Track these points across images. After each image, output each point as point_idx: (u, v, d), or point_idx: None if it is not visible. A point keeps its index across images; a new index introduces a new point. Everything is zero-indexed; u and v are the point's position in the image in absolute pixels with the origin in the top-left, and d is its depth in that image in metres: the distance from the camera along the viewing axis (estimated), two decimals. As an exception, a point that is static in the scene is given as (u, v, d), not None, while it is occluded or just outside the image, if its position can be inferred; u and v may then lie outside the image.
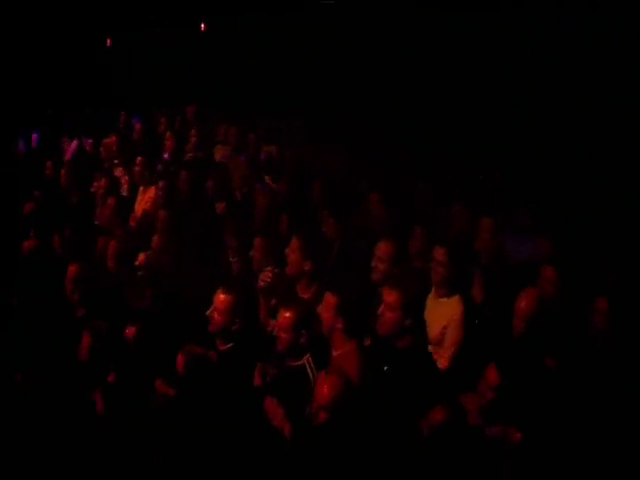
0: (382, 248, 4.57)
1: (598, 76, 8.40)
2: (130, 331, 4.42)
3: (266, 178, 7.05)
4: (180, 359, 3.98)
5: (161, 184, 6.64)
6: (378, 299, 4.20)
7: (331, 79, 10.31)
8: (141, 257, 5.25)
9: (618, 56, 8.28)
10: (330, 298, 4.01)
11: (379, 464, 3.36)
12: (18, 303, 5.09)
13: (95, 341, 4.46)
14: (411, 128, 8.63)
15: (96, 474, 3.97)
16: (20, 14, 10.46)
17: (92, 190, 7.26)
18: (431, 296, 4.58)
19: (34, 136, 9.58)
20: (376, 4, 10.01)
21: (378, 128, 8.92)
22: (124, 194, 7.22)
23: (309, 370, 3.94)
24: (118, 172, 7.76)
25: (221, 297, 4.26)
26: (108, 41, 12.81)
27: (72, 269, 4.91)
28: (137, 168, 7.34)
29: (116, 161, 8.07)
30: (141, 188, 7.26)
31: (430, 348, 4.36)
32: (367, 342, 4.11)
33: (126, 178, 7.46)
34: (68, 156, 8.90)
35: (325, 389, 3.52)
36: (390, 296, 3.90)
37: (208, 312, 4.28)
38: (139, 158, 7.33)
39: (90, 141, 8.92)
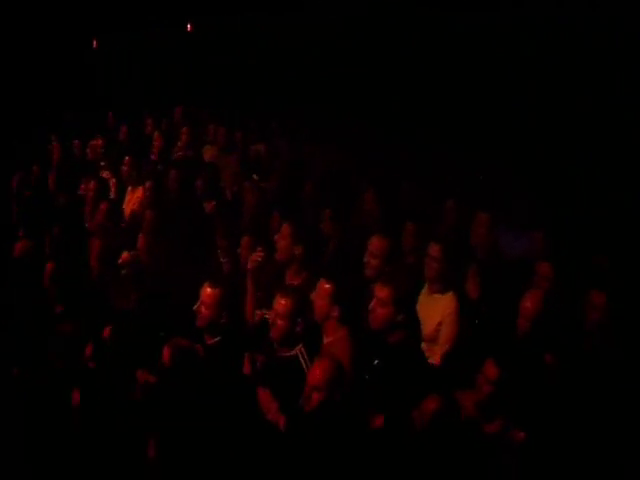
0: (375, 243, 4.56)
1: (598, 76, 8.38)
2: (106, 331, 4.43)
3: (254, 177, 7.03)
4: (166, 352, 3.95)
5: (148, 184, 6.62)
6: (370, 295, 4.20)
7: (331, 79, 10.29)
8: (124, 255, 5.23)
9: (618, 56, 8.27)
10: (325, 286, 4.00)
11: (372, 454, 3.34)
12: (12, 303, 5.10)
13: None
14: (411, 128, 8.61)
15: (85, 469, 3.95)
16: (5, 16, 10.46)
17: (80, 192, 7.23)
18: (424, 292, 4.58)
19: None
20: (376, 4, 10.00)
21: (378, 128, 8.89)
22: (112, 196, 7.19)
23: (302, 360, 3.91)
24: (105, 174, 7.75)
25: (208, 291, 4.26)
26: (94, 42, 12.77)
27: (49, 266, 4.98)
28: (125, 168, 7.33)
29: (102, 163, 8.06)
30: (129, 188, 7.25)
31: (424, 345, 4.34)
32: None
33: (113, 180, 7.44)
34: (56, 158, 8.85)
35: (317, 371, 3.52)
36: (382, 291, 3.90)
37: (195, 307, 4.27)
38: (127, 158, 7.32)
39: (77, 143, 8.89)
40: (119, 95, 11.38)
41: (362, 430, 3.46)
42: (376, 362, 3.87)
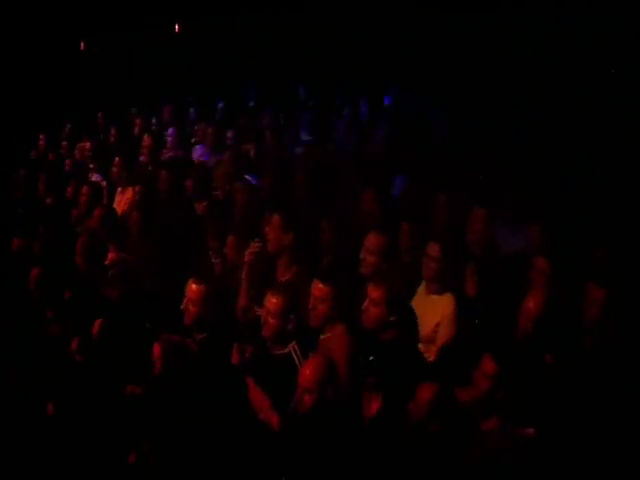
0: (372, 240, 4.52)
1: (598, 76, 8.38)
2: (95, 325, 4.43)
3: (246, 177, 6.98)
4: (157, 348, 3.92)
5: (138, 188, 6.58)
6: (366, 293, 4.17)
7: (331, 79, 10.31)
8: (111, 255, 5.21)
9: (618, 56, 8.27)
10: (324, 288, 3.93)
11: (367, 452, 3.32)
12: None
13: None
14: (411, 127, 8.59)
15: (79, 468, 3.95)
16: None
17: (67, 194, 7.20)
18: (421, 292, 4.52)
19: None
20: (376, 4, 10.01)
21: (377, 127, 8.87)
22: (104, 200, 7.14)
23: (295, 358, 3.89)
24: (94, 177, 7.72)
25: (193, 287, 4.23)
26: (82, 44, 12.76)
27: (34, 272, 4.96)
28: (115, 169, 7.29)
29: (91, 165, 8.03)
30: (119, 189, 7.22)
31: (421, 346, 4.29)
32: None
33: (104, 183, 7.40)
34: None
35: (307, 371, 3.49)
36: (375, 292, 3.89)
37: (182, 306, 4.24)
38: (117, 159, 7.28)
39: (65, 144, 8.86)
40: (108, 96, 11.35)
41: (358, 428, 3.44)
42: (371, 358, 3.84)
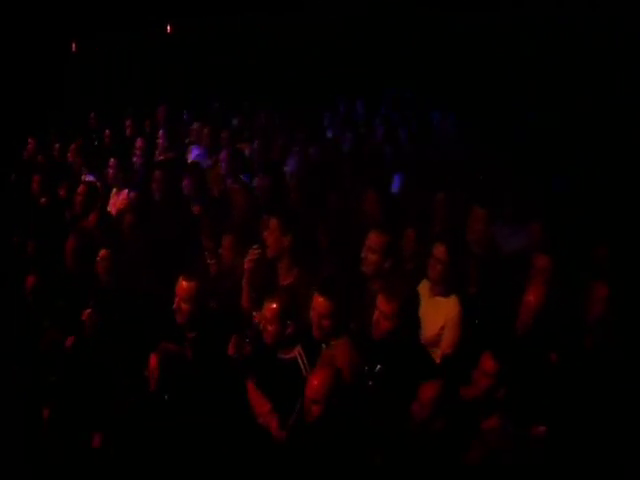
0: (373, 238, 4.46)
1: (598, 76, 8.39)
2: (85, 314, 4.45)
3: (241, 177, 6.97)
4: (154, 359, 3.91)
5: (132, 194, 6.58)
6: (369, 294, 4.13)
7: (330, 79, 10.31)
8: (102, 252, 5.17)
9: (618, 56, 8.28)
10: (326, 304, 3.88)
11: (373, 460, 3.31)
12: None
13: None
14: (410, 127, 8.60)
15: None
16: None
17: (60, 194, 7.19)
18: (425, 293, 4.46)
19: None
20: (376, 4, 10.02)
21: (377, 127, 8.87)
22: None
23: (300, 363, 3.87)
24: (87, 178, 7.71)
25: (184, 285, 4.17)
26: (73, 46, 12.73)
27: (29, 281, 4.92)
28: (110, 171, 7.28)
29: (83, 167, 8.01)
30: (114, 190, 7.21)
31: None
32: None
33: (99, 184, 7.39)
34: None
35: (315, 382, 3.46)
36: (386, 306, 3.78)
37: (174, 305, 4.20)
38: (112, 160, 7.27)
39: (58, 146, 8.84)
40: (102, 97, 11.33)
41: (365, 437, 3.42)
42: (378, 368, 3.80)
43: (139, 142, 8.06)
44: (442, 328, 4.24)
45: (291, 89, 10.56)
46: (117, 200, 7.07)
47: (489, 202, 5.08)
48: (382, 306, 3.79)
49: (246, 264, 4.54)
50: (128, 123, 9.17)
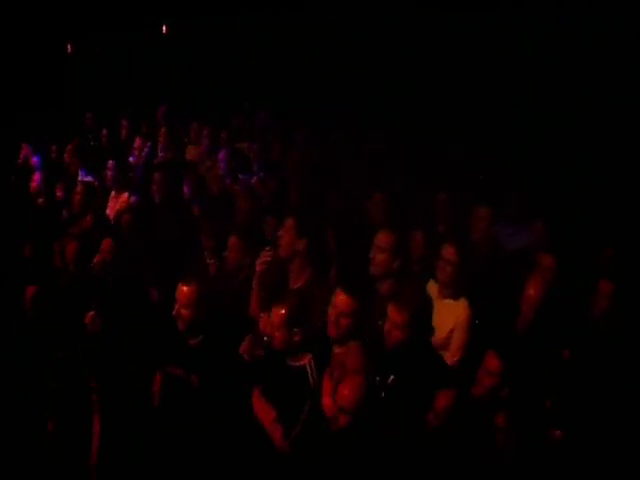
0: (381, 238, 4.46)
1: (598, 76, 8.38)
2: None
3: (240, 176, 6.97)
4: (157, 380, 3.89)
5: (133, 198, 6.58)
6: (378, 295, 4.12)
7: (330, 79, 10.29)
8: (97, 257, 5.17)
9: (618, 56, 8.27)
10: (350, 302, 3.85)
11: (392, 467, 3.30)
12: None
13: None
14: (410, 127, 8.60)
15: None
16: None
17: (57, 195, 7.18)
18: (433, 295, 4.43)
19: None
20: (376, 4, 10.00)
21: (377, 127, 8.87)
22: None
23: (309, 371, 3.84)
24: (87, 179, 7.70)
25: (184, 290, 4.14)
26: (69, 47, 12.71)
27: (29, 292, 4.92)
28: (109, 172, 7.27)
29: (79, 168, 8.00)
30: (113, 193, 7.19)
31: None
32: None
33: (96, 184, 7.38)
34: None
35: (345, 391, 3.43)
36: (397, 316, 3.78)
37: (174, 312, 4.16)
38: (110, 162, 7.26)
39: (54, 147, 8.83)
40: (99, 97, 11.30)
41: (381, 447, 3.41)
42: (391, 378, 3.79)
43: (137, 142, 8.06)
44: (451, 331, 4.25)
45: (291, 89, 10.55)
46: (116, 203, 7.06)
47: (491, 201, 5.10)
48: (393, 316, 3.77)
49: (258, 266, 4.52)
50: (124, 124, 9.16)
